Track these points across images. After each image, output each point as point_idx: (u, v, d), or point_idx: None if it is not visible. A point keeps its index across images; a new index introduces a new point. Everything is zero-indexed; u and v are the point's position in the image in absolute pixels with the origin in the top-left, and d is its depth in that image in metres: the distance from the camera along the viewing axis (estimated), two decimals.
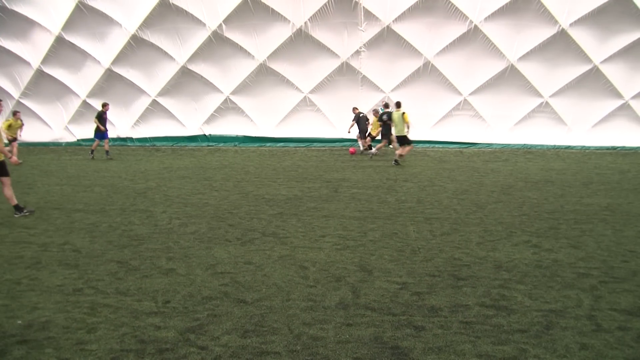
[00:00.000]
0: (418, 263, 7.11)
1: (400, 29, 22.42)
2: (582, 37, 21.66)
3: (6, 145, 19.24)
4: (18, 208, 10.41)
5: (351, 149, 21.95)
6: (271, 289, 6.16)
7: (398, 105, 18.46)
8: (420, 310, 5.52)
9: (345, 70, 23.70)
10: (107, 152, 21.39)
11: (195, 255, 7.53)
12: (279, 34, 23.15)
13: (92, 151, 21.34)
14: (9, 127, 19.78)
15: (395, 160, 18.00)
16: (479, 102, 23.42)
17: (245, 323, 5.21)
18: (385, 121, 19.97)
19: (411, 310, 5.50)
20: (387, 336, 4.92)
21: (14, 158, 10.15)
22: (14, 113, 20.59)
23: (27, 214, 10.39)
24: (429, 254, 7.51)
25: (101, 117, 21.58)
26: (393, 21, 22.31)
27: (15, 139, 19.98)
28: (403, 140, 18.32)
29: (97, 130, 21.62)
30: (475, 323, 5.18)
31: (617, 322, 5.20)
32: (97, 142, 21.67)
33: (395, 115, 18.29)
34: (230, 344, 4.78)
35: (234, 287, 6.20)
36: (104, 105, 21.90)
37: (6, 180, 10.36)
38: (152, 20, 23.35)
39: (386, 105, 20.93)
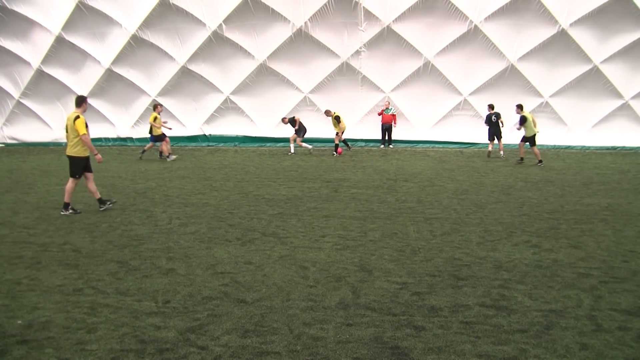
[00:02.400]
0: (418, 263, 7.11)
1: (400, 29, 22.40)
2: (582, 37, 21.65)
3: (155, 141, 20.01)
4: (101, 201, 10.92)
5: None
6: (271, 289, 6.16)
7: (521, 107, 18.45)
8: (420, 310, 5.52)
9: (345, 70, 23.69)
10: (146, 150, 21.25)
11: (195, 255, 7.53)
12: (279, 34, 23.12)
13: (169, 154, 20.64)
14: (155, 119, 19.70)
15: (521, 158, 18.35)
16: (479, 102, 23.41)
17: (245, 323, 5.22)
18: (494, 122, 20.69)
19: (411, 310, 5.51)
20: (387, 336, 4.92)
21: (99, 156, 10.71)
22: (155, 107, 20.01)
23: (110, 205, 10.94)
24: (429, 254, 7.51)
25: (155, 119, 20.87)
26: (393, 21, 22.28)
27: (164, 135, 20.11)
28: (533, 140, 18.24)
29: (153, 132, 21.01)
30: (475, 323, 5.19)
31: (617, 322, 5.21)
32: (160, 143, 21.14)
33: (529, 116, 18.20)
34: (230, 344, 4.79)
35: (234, 287, 6.20)
36: (155, 107, 21.32)
37: (90, 175, 10.90)
38: (152, 20, 23.31)
39: (491, 107, 21.09)
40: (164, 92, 25.15)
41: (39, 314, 5.49)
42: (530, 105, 23.12)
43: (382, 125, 24.08)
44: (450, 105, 23.76)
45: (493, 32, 22.01)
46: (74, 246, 8.11)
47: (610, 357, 4.54)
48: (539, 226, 9.20)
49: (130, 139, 26.35)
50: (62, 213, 10.49)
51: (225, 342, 4.83)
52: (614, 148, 23.09)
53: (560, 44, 21.88)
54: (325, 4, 22.17)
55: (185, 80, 24.72)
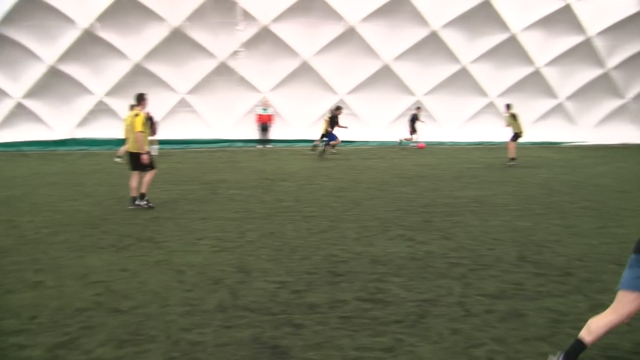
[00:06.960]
0: (296, 261, 7.16)
1: (278, 29, 22.49)
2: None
3: None
4: (135, 200, 10.98)
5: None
6: (147, 295, 5.96)
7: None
8: (299, 308, 5.56)
9: (223, 71, 23.40)
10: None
11: (65, 266, 7.13)
12: (155, 34, 22.36)
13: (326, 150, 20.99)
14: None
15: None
16: (356, 101, 24.03)
17: (120, 333, 5.00)
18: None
19: (290, 309, 5.53)
20: (267, 336, 4.91)
21: (145, 157, 10.82)
22: None
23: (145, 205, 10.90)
24: (307, 252, 7.59)
25: (334, 119, 21.07)
26: (271, 21, 22.32)
27: None
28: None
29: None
30: (353, 317, 5.29)
31: (484, 306, 5.52)
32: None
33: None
34: (104, 356, 4.57)
35: (108, 296, 5.93)
36: (338, 108, 21.29)
37: (137, 174, 11.05)
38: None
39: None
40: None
41: None
42: (407, 103, 24.06)
43: (260, 125, 24.05)
44: (327, 105, 24.11)
45: (369, 32, 22.67)
46: None
47: (478, 338, 4.80)
48: (413, 220, 9.55)
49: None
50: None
51: (98, 354, 4.60)
52: (480, 143, 24.52)
53: (434, 44, 22.93)
54: (202, 4, 21.74)
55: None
